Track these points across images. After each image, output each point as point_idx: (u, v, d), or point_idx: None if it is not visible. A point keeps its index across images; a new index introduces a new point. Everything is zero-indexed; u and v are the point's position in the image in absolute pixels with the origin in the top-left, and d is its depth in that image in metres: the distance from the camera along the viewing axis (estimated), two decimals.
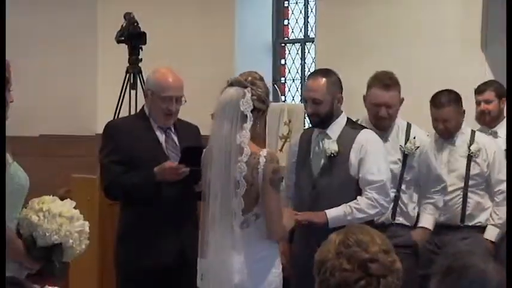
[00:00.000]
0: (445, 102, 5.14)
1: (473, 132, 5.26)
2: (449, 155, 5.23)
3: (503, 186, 5.06)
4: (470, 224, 5.18)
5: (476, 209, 5.19)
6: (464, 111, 5.22)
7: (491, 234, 5.15)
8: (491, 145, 5.25)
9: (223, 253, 3.78)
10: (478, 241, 5.12)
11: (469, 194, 5.18)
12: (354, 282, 2.29)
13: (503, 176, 5.13)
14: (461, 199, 5.18)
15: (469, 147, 5.19)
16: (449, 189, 5.10)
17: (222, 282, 3.79)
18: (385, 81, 4.78)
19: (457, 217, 5.18)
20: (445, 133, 5.22)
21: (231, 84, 3.86)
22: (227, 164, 3.77)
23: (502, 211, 5.05)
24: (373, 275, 2.30)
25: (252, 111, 3.81)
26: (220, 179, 3.78)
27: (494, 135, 5.53)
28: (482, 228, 5.19)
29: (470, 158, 5.19)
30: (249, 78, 3.86)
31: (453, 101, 5.15)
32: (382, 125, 4.85)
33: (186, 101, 4.44)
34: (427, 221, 4.95)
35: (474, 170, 5.18)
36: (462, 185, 5.18)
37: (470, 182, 5.18)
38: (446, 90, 5.23)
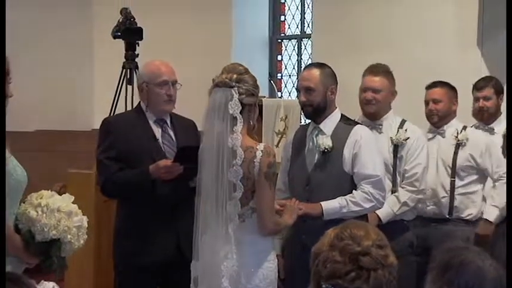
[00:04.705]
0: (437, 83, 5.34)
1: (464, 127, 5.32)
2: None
3: None
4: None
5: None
6: None
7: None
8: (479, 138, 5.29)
9: (217, 256, 3.78)
10: None
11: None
12: (345, 274, 2.31)
13: None
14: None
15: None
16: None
17: (216, 286, 3.78)
18: (372, 68, 5.00)
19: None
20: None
21: (217, 85, 3.84)
22: (221, 167, 3.77)
23: None
24: (364, 268, 2.31)
25: (242, 109, 3.81)
26: (214, 182, 3.78)
27: (491, 131, 5.52)
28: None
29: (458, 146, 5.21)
30: (234, 76, 3.83)
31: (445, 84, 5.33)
32: (368, 110, 4.92)
33: (181, 85, 4.48)
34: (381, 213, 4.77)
35: (461, 159, 5.20)
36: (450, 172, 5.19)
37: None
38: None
